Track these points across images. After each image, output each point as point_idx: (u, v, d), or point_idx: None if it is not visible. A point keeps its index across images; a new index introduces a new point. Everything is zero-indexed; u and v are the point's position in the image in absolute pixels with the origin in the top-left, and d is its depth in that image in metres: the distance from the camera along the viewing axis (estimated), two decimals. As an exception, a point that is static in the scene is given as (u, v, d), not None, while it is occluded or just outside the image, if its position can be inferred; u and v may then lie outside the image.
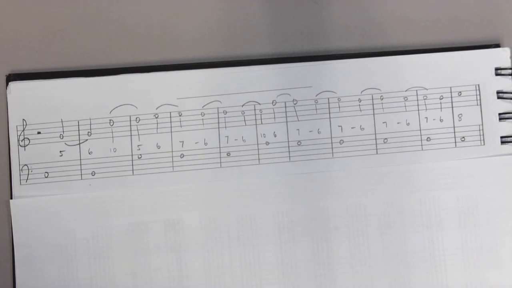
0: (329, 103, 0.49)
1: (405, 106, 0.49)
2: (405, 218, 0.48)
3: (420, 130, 0.48)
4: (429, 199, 0.48)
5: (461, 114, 0.49)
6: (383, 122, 0.48)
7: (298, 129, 0.48)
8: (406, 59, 0.49)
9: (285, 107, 0.48)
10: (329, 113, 0.49)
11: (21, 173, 0.48)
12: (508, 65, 0.49)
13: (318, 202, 0.48)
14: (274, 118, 0.48)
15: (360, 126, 0.48)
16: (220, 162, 0.48)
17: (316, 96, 0.49)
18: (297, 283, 0.47)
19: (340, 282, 0.48)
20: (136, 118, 0.48)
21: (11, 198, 0.47)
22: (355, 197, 0.48)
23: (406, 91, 0.49)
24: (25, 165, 0.48)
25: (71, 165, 0.48)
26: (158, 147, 0.48)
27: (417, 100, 0.49)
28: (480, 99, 0.49)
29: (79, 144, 0.48)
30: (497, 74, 0.49)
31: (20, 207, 0.47)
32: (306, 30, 0.50)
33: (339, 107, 0.49)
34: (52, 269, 0.47)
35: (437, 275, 0.48)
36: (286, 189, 0.48)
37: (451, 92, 0.49)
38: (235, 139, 0.48)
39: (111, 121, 0.48)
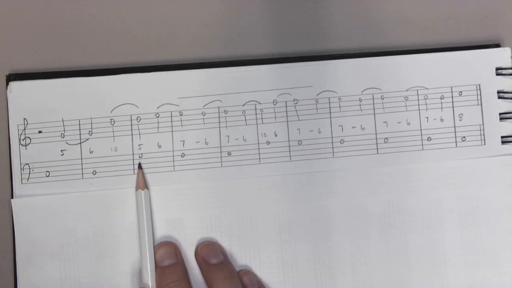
0: (329, 102, 0.49)
1: (406, 106, 0.49)
2: (405, 218, 0.48)
3: (421, 130, 0.49)
4: (429, 199, 0.48)
5: (461, 114, 0.49)
6: (384, 122, 0.49)
7: (299, 129, 0.48)
8: (407, 59, 0.49)
9: (286, 106, 0.48)
10: (330, 112, 0.49)
11: (22, 172, 0.47)
12: (508, 65, 0.49)
13: (318, 201, 0.48)
14: (275, 117, 0.48)
15: (361, 125, 0.49)
16: (221, 162, 0.48)
17: (317, 95, 0.49)
18: (298, 282, 0.47)
19: (340, 282, 0.48)
20: (137, 117, 0.48)
21: (12, 197, 0.47)
22: (355, 196, 0.48)
23: (406, 90, 0.49)
24: (26, 164, 0.48)
25: (72, 164, 0.48)
26: (159, 146, 0.48)
27: (418, 100, 0.49)
28: (480, 99, 0.49)
29: (80, 143, 0.48)
30: (497, 74, 0.49)
31: (21, 206, 0.47)
32: (306, 30, 0.50)
33: (339, 106, 0.49)
34: (54, 268, 0.47)
35: (437, 275, 0.48)
36: (286, 188, 0.48)
37: (451, 92, 0.49)
38: (236, 139, 0.48)
39: (112, 120, 0.48)
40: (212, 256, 0.46)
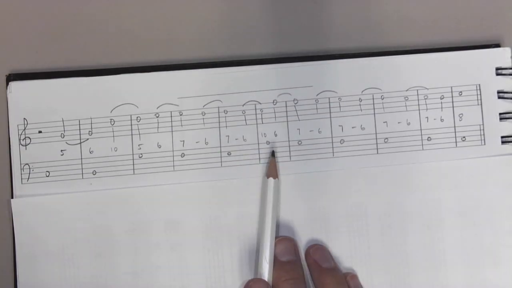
0: (329, 102, 0.49)
1: (406, 106, 0.49)
2: (405, 218, 0.48)
3: (421, 129, 0.49)
4: (429, 199, 0.48)
5: (461, 114, 0.49)
6: (384, 122, 0.49)
7: (299, 129, 0.48)
8: (407, 59, 0.49)
9: (286, 106, 0.48)
10: (330, 112, 0.49)
11: (22, 172, 0.48)
12: (508, 65, 0.49)
13: (318, 201, 0.48)
14: (275, 117, 0.48)
15: (361, 125, 0.48)
16: (221, 162, 0.48)
17: (317, 95, 0.49)
18: (298, 282, 0.47)
19: (341, 282, 0.48)
20: (137, 117, 0.48)
21: (12, 197, 0.47)
22: (355, 196, 0.48)
23: (406, 90, 0.49)
24: (26, 164, 0.48)
25: (72, 164, 0.48)
26: (159, 146, 0.48)
27: (418, 100, 0.49)
28: (480, 99, 0.49)
29: (80, 143, 0.48)
30: (497, 74, 0.49)
31: (21, 206, 0.47)
32: (306, 30, 0.50)
33: (339, 106, 0.49)
34: (54, 268, 0.47)
35: (437, 275, 0.48)
36: (286, 188, 0.48)
37: (451, 92, 0.49)
38: (236, 139, 0.48)
39: (112, 120, 0.48)
40: (324, 260, 0.47)
